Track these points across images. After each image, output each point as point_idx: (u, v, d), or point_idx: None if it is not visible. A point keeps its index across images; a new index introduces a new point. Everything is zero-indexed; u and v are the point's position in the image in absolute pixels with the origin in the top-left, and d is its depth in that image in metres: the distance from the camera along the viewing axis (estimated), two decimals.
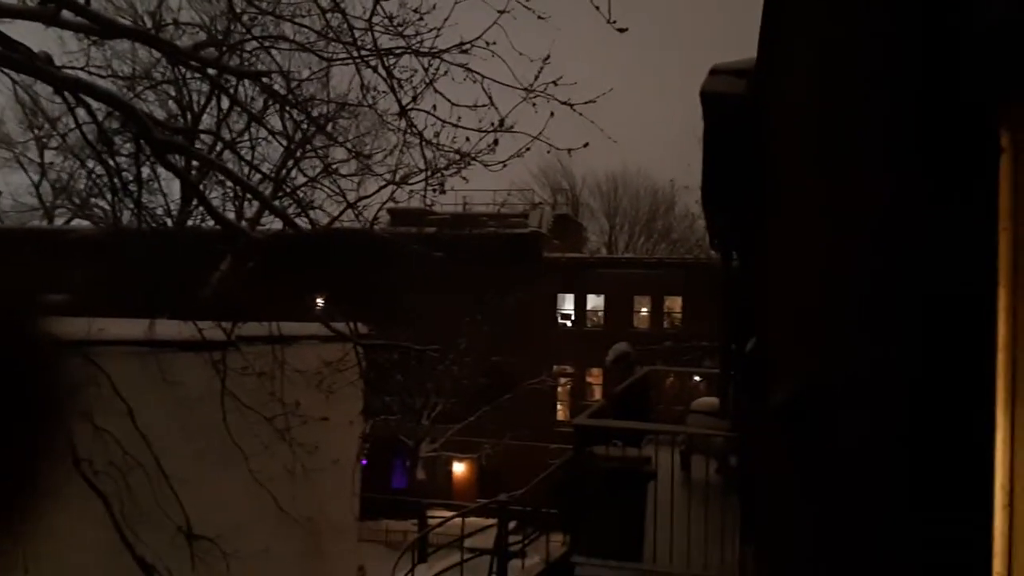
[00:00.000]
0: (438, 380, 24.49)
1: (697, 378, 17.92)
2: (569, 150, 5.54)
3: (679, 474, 9.04)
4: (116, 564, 5.19)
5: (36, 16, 5.44)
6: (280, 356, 7.24)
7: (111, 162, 7.41)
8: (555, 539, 8.88)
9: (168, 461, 5.71)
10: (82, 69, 6.05)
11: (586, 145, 5.56)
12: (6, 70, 5.88)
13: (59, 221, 30.09)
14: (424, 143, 5.69)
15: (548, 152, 5.50)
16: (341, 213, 7.91)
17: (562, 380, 30.54)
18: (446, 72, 5.38)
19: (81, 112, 5.96)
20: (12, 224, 28.61)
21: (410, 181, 7.33)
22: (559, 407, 30.53)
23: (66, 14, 5.43)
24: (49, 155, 28.29)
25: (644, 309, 30.91)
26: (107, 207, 25.04)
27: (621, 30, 4.85)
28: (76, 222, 28.73)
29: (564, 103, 5.16)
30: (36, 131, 27.07)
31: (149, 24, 13.85)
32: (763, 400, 4.76)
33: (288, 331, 8.13)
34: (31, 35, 5.41)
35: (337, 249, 8.88)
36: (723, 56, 6.58)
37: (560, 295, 31.01)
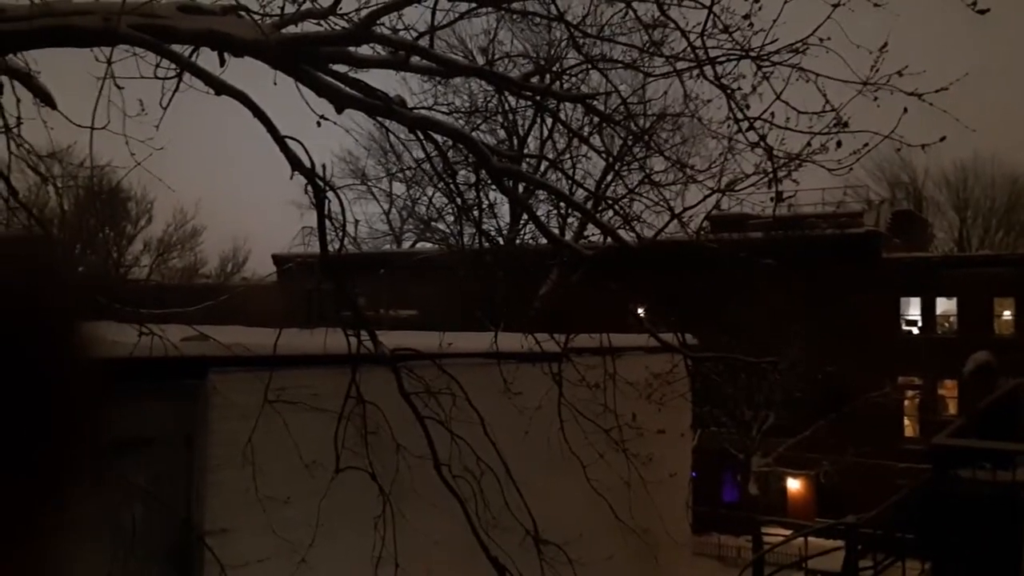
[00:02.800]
0: (769, 392, 23.53)
1: None
2: (923, 146, 5.00)
3: None
4: (472, 563, 5.59)
5: (389, 64, 6.04)
6: (611, 367, 7.38)
7: (454, 189, 8.08)
8: (911, 567, 8.10)
9: (514, 468, 6.06)
10: (429, 108, 6.66)
11: (943, 139, 4.99)
12: (368, 115, 6.58)
13: (406, 244, 33.59)
14: (758, 148, 5.47)
15: (898, 150, 5.02)
16: (667, 224, 7.88)
17: (909, 393, 27.86)
18: (784, 78, 5.11)
19: (429, 146, 6.53)
20: (369, 249, 32.41)
21: (736, 188, 7.11)
22: (906, 422, 27.88)
23: (414, 59, 5.96)
24: (396, 186, 31.68)
25: (1007, 312, 27.24)
26: (447, 229, 27.60)
27: (982, 11, 4.30)
28: (420, 244, 31.86)
29: (911, 94, 4.67)
30: (387, 165, 30.49)
31: (480, 59, 14.96)
32: None
33: (616, 343, 8.27)
34: (376, 79, 6.04)
35: (662, 259, 8.87)
36: None
37: (904, 299, 28.32)
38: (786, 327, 21.85)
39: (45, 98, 5.40)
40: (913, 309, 28.49)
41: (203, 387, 5.07)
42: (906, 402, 27.87)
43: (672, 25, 5.28)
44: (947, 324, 28.26)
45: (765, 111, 5.19)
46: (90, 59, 4.93)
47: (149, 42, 4.53)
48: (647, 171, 8.76)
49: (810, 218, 28.69)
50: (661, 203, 7.74)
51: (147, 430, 4.78)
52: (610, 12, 6.55)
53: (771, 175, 5.63)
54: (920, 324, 28.36)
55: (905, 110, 4.71)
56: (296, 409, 5.21)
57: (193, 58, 5.13)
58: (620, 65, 6.76)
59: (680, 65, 5.59)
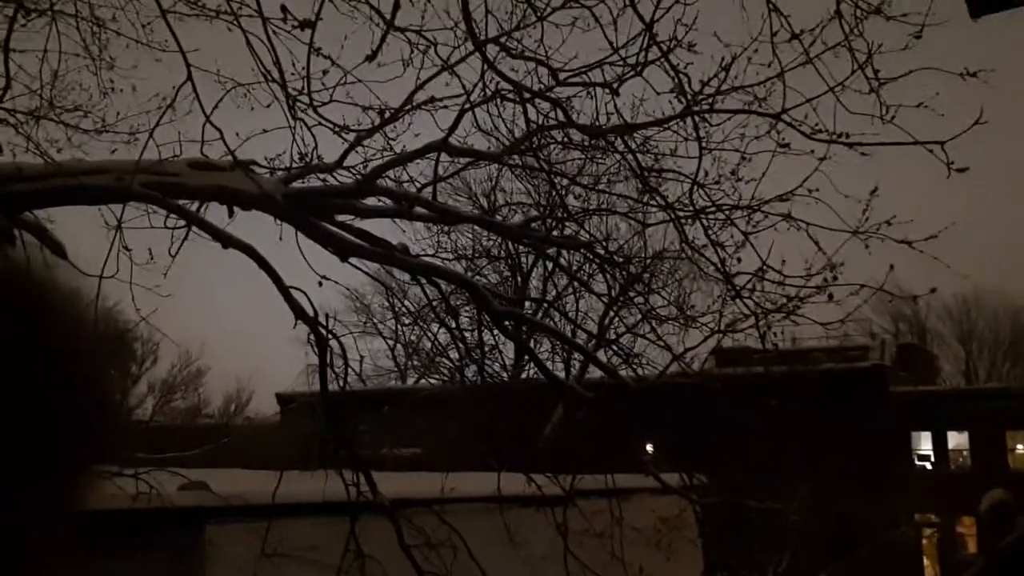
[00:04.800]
0: (781, 534, 22.76)
1: None
2: (915, 297, 5.10)
3: None
4: None
5: (394, 214, 6.25)
6: (617, 512, 7.21)
7: (456, 330, 8.18)
8: None
9: None
10: (433, 254, 6.84)
11: (933, 291, 5.09)
12: (372, 263, 6.71)
13: (410, 381, 33.46)
14: (746, 296, 5.57)
15: (890, 301, 5.11)
16: (668, 367, 7.89)
17: (926, 531, 26.99)
18: (775, 227, 5.27)
19: (431, 290, 6.64)
20: (373, 386, 32.26)
21: (736, 328, 7.15)
22: (926, 563, 26.86)
23: (418, 209, 6.16)
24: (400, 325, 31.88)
25: (1020, 446, 26.77)
26: (451, 367, 27.59)
27: (961, 170, 4.47)
28: (424, 381, 31.77)
29: (901, 242, 4.80)
30: (392, 305, 30.83)
31: (485, 203, 15.38)
32: None
33: (622, 483, 8.11)
34: (380, 225, 6.21)
35: (665, 399, 8.83)
36: None
37: (914, 433, 27.85)
38: (795, 463, 21.40)
39: (57, 249, 5.54)
40: (925, 443, 27.99)
41: (199, 539, 4.96)
42: (924, 540, 26.95)
43: (661, 179, 5.49)
44: (960, 459, 27.70)
45: (760, 269, 5.31)
46: (102, 208, 5.10)
47: (160, 199, 4.70)
48: (644, 311, 8.86)
49: (814, 351, 28.60)
50: (661, 343, 7.79)
51: None
52: (608, 161, 6.83)
53: (760, 327, 5.70)
54: (932, 459, 27.79)
55: (892, 267, 4.83)
56: (293, 562, 5.07)
57: (202, 212, 5.30)
58: (616, 213, 6.98)
59: (674, 215, 5.76)
